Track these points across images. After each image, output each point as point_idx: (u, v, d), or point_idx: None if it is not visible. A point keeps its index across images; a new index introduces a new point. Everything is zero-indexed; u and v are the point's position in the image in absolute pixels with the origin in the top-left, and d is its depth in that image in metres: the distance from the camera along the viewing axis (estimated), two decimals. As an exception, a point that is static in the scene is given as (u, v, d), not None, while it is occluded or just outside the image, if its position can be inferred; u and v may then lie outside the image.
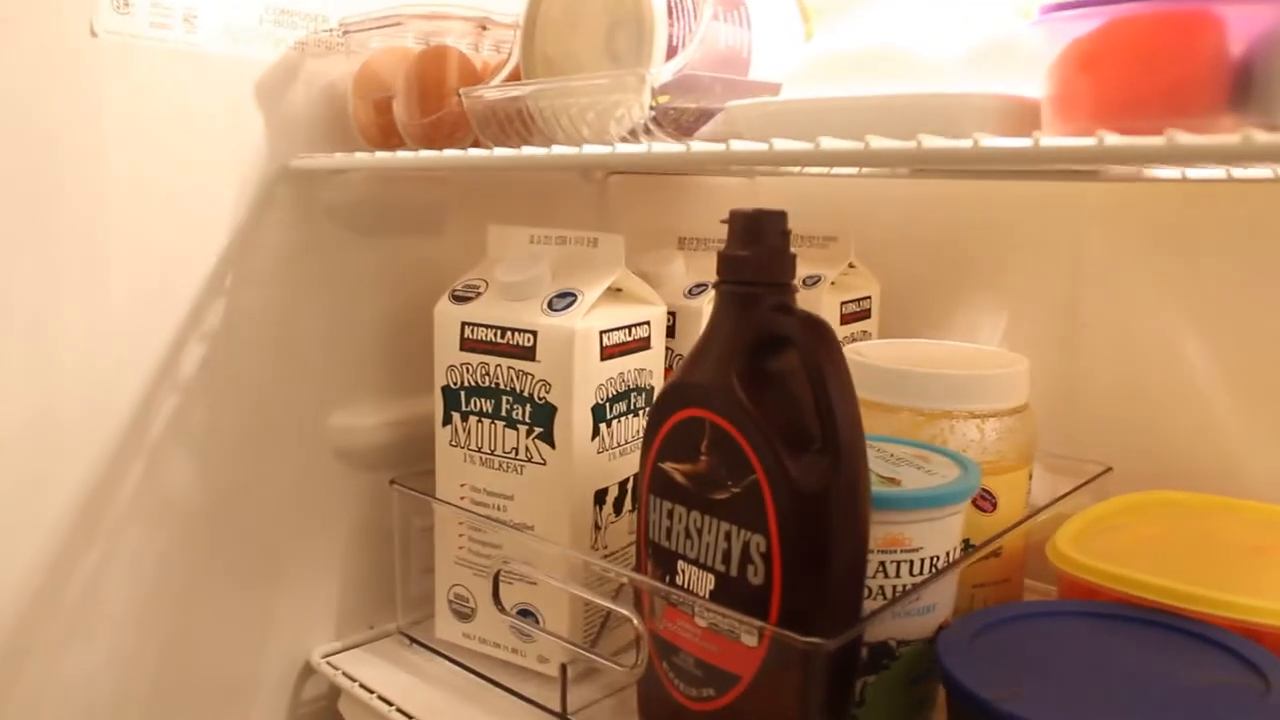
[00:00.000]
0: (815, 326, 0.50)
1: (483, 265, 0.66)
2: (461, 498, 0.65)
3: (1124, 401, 0.76)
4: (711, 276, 0.53)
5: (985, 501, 0.64)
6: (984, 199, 0.81)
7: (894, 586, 0.55)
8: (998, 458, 0.64)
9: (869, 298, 0.82)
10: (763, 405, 0.50)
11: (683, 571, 0.54)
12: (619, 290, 0.65)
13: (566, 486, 0.61)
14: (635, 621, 0.55)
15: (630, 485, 0.65)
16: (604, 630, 0.64)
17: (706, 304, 0.70)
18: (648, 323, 0.65)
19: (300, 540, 0.68)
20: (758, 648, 0.50)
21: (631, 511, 0.65)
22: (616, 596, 0.59)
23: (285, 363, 0.66)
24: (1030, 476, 0.67)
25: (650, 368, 0.65)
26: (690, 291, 0.71)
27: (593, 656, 0.59)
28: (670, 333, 0.69)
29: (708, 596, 0.52)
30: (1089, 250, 0.77)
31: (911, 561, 0.55)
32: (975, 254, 0.83)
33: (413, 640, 0.69)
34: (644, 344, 0.65)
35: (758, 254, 0.51)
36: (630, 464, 0.64)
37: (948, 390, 0.64)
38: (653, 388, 0.66)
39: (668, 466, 0.54)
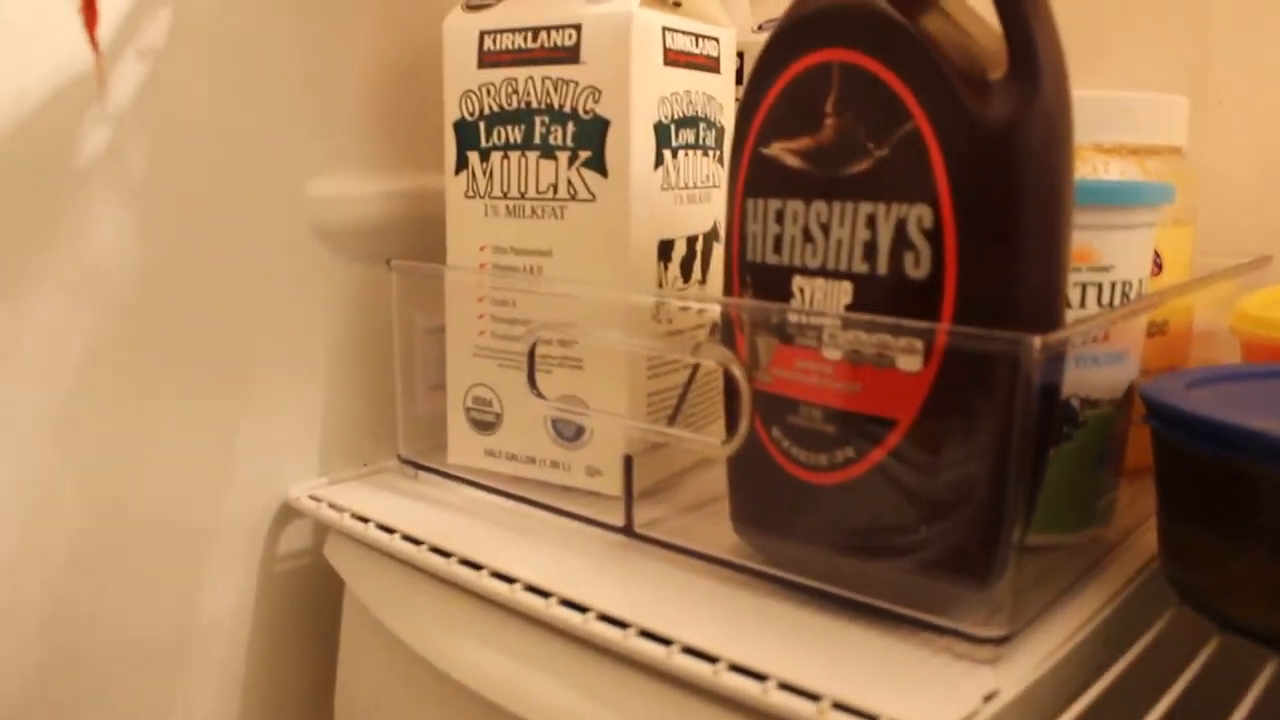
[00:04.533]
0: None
1: (502, -22, 0.52)
2: (481, 265, 0.50)
3: (1271, 185, 0.63)
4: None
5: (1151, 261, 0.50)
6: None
7: (1080, 320, 0.41)
8: (1164, 207, 0.50)
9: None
10: (920, 26, 0.36)
11: (801, 291, 0.39)
12: (677, 4, 0.50)
13: (623, 228, 0.46)
14: (735, 370, 0.40)
15: (700, 246, 0.50)
16: (676, 423, 0.49)
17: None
18: (716, 40, 0.51)
19: (271, 342, 0.53)
20: (923, 371, 0.35)
21: (703, 283, 0.51)
22: (697, 351, 0.44)
23: (248, 103, 0.51)
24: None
25: (720, 99, 0.51)
26: (760, 27, 0.57)
27: (671, 432, 0.44)
28: (738, 77, 0.55)
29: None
30: (1217, 12, 0.63)
31: (1100, 285, 0.41)
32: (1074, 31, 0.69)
33: (419, 467, 0.53)
34: (713, 65, 0.50)
35: None
36: (700, 217, 0.49)
37: (1099, 114, 0.50)
38: (723, 126, 0.51)
39: (775, 149, 0.40)
